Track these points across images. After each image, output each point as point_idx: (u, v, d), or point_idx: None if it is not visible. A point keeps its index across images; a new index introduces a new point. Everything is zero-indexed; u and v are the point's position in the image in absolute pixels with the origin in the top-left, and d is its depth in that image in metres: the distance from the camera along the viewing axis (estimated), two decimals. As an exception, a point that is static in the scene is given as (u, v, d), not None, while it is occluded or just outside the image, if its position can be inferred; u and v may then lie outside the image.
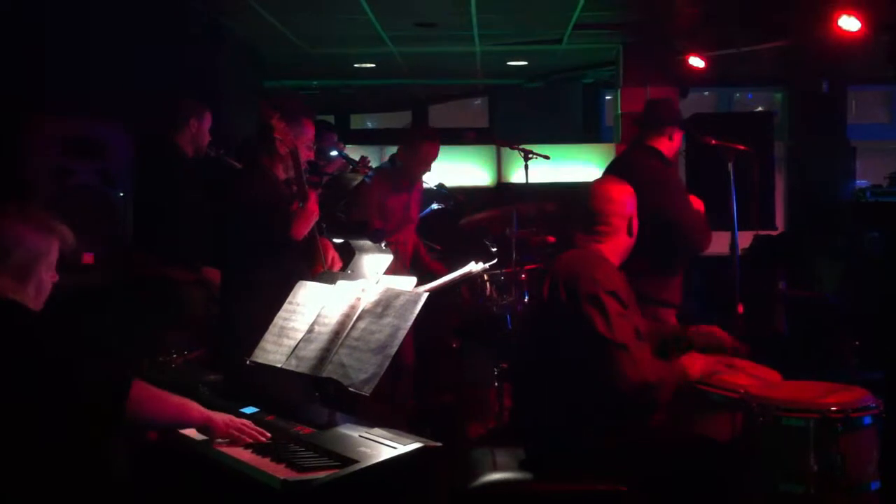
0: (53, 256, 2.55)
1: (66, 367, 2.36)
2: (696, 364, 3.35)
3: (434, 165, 5.57)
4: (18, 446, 2.29)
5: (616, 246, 3.38)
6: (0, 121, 4.90)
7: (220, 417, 2.65)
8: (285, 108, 3.87)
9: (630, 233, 3.41)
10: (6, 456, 2.27)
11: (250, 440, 2.63)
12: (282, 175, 3.90)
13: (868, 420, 3.24)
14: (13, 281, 2.44)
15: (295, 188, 3.82)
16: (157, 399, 2.52)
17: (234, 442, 2.62)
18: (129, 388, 2.41)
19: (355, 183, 5.71)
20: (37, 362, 2.33)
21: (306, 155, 3.93)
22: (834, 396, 3.29)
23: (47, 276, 2.54)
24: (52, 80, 5.24)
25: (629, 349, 3.03)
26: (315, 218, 3.78)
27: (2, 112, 4.90)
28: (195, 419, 2.60)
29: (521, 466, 3.24)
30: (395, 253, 4.52)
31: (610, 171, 4.55)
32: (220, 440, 2.64)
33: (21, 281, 2.46)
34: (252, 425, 2.69)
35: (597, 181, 3.58)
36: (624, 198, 3.41)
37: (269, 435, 2.68)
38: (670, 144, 4.66)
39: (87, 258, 4.68)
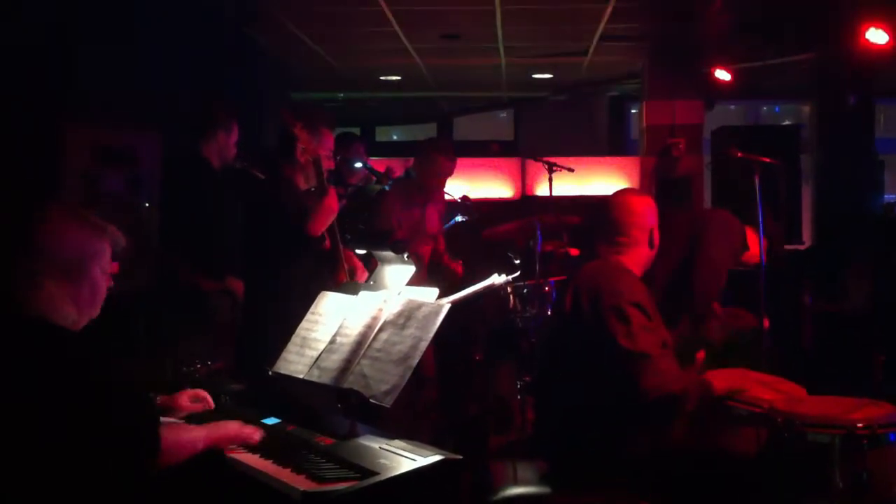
0: (106, 258, 2.40)
1: (96, 404, 2.15)
2: (721, 379, 3.33)
3: (458, 177, 5.53)
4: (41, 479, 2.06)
5: (637, 258, 3.35)
6: (32, 127, 4.97)
7: (222, 434, 2.63)
8: (307, 117, 3.90)
9: (651, 245, 3.37)
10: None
11: (253, 442, 2.65)
12: (303, 185, 3.92)
13: (895, 437, 3.20)
14: (66, 282, 2.27)
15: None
16: (176, 445, 2.40)
17: (253, 450, 2.64)
18: (159, 446, 2.27)
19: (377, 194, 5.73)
20: (65, 391, 2.12)
21: (326, 164, 3.95)
22: (860, 412, 3.25)
23: (103, 280, 2.38)
24: (84, 88, 5.31)
25: (652, 360, 3.00)
26: (333, 214, 3.79)
27: (34, 118, 4.97)
28: (201, 449, 2.53)
29: (543, 480, 3.22)
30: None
31: None
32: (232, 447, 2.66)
33: (74, 282, 2.29)
34: (244, 429, 2.69)
35: (617, 193, 3.53)
36: (644, 210, 3.38)
37: (257, 438, 2.67)
38: None
39: (113, 267, 4.72)
